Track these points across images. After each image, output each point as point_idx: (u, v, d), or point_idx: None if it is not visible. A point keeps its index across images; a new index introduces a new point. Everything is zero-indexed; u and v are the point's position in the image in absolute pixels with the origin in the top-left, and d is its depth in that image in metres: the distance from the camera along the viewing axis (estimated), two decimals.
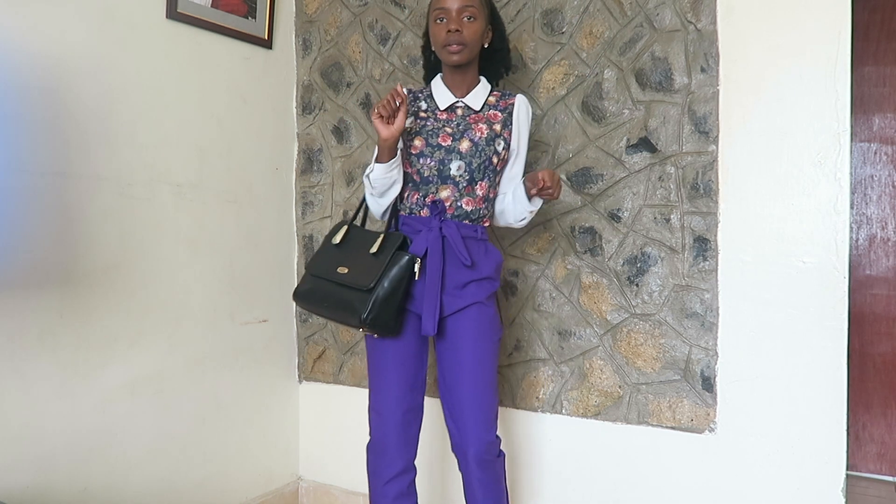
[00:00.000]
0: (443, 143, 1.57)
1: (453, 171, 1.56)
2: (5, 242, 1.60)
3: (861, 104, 2.60)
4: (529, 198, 1.59)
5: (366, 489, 1.79)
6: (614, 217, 1.87)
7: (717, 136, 1.72)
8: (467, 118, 1.61)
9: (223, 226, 2.15)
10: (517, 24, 1.99)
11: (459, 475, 1.60)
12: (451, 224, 1.56)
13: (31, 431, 1.65)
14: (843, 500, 1.59)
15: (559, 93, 1.94)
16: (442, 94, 1.63)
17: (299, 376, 2.45)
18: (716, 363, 1.73)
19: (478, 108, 1.62)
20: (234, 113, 2.18)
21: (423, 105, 1.63)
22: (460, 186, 1.57)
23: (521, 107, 1.66)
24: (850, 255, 1.74)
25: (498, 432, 1.58)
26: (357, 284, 1.49)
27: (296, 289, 1.65)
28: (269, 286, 2.29)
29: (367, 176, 1.54)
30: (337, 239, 1.60)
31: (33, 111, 1.65)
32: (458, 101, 1.62)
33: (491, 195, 1.63)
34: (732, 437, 1.71)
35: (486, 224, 1.64)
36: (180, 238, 2.01)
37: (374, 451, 1.62)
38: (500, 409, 2.01)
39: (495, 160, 1.61)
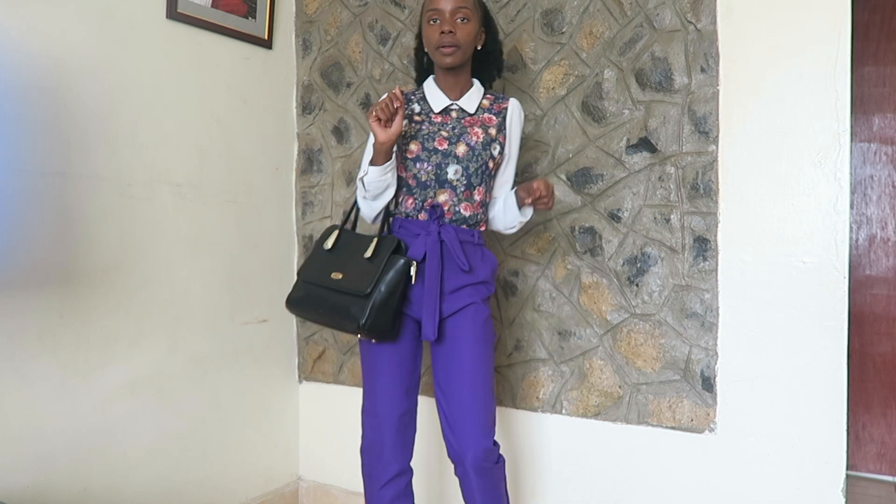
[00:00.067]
0: (439, 148, 1.56)
1: (450, 176, 1.56)
2: (5, 242, 1.60)
3: (861, 104, 2.60)
4: (520, 207, 1.61)
5: None
6: (614, 217, 1.87)
7: (717, 136, 1.72)
8: (462, 121, 1.59)
9: (223, 226, 2.15)
10: (517, 24, 1.99)
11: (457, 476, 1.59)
12: (450, 229, 1.55)
13: (31, 431, 1.65)
14: (843, 500, 1.59)
15: (559, 93, 1.94)
16: (436, 96, 1.61)
17: (299, 376, 2.45)
18: (716, 363, 1.73)
19: (472, 111, 1.61)
20: (234, 113, 2.18)
21: (417, 107, 1.62)
22: (458, 191, 1.56)
23: (515, 111, 1.66)
24: (850, 255, 1.74)
25: (497, 434, 1.57)
26: (353, 290, 1.48)
27: (288, 296, 1.61)
28: (269, 286, 2.29)
29: (361, 179, 1.53)
30: (328, 244, 1.58)
31: (33, 111, 1.65)
32: (452, 104, 1.61)
33: (487, 199, 1.64)
34: (732, 437, 1.71)
35: (483, 228, 1.64)
36: (180, 238, 2.01)
37: (370, 454, 1.61)
38: (500, 410, 2.01)
39: (491, 164, 1.61)
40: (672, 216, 1.79)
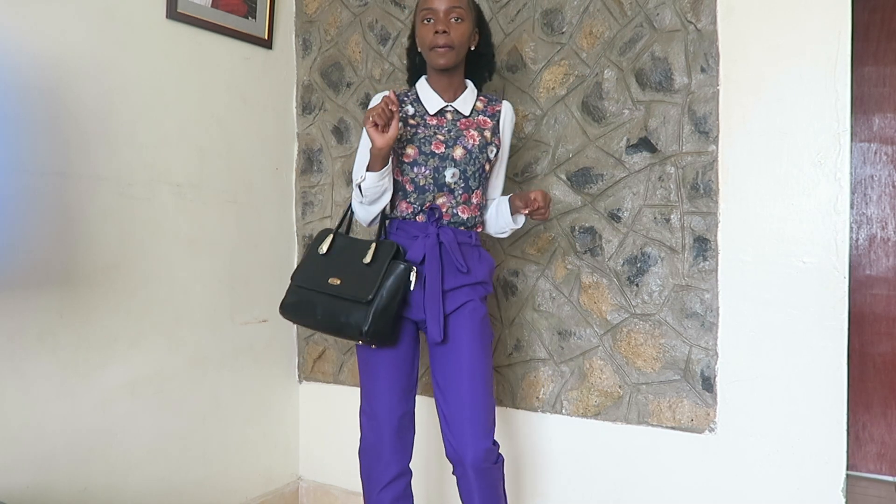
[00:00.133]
0: (436, 151, 1.55)
1: (448, 179, 1.55)
2: (5, 242, 1.60)
3: (861, 104, 2.60)
4: (513, 214, 1.61)
5: None
6: (614, 217, 1.87)
7: (717, 136, 1.72)
8: (458, 124, 1.58)
9: (223, 226, 2.15)
10: (517, 24, 1.99)
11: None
12: (448, 231, 1.55)
13: (31, 431, 1.65)
14: (843, 500, 1.59)
15: (559, 93, 1.94)
16: (430, 97, 1.59)
17: (299, 376, 2.45)
18: (716, 363, 1.73)
19: (467, 113, 1.60)
20: (234, 113, 2.18)
21: (411, 109, 1.59)
22: (456, 194, 1.56)
23: (508, 113, 1.66)
24: (850, 255, 1.74)
25: (497, 434, 1.56)
26: (354, 296, 1.46)
27: (283, 302, 1.58)
28: (269, 286, 2.29)
29: (358, 185, 1.50)
30: (323, 248, 1.56)
31: (33, 111, 1.65)
32: (447, 106, 1.59)
33: (483, 202, 1.64)
34: (732, 437, 1.71)
35: (480, 230, 1.64)
36: (180, 238, 2.01)
37: (369, 456, 1.60)
38: (500, 410, 2.01)
39: (487, 167, 1.61)
40: (672, 216, 1.79)
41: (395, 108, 1.43)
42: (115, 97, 1.83)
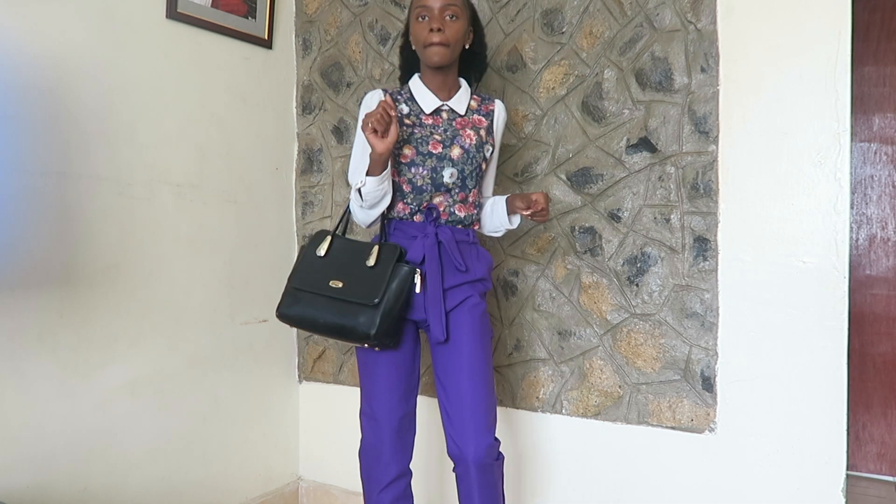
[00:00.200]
0: (434, 151, 1.54)
1: (446, 179, 1.54)
2: (5, 242, 1.60)
3: (861, 104, 2.60)
4: (510, 214, 1.62)
5: None
6: (614, 217, 1.87)
7: (717, 136, 1.72)
8: (453, 123, 1.58)
9: (223, 226, 2.15)
10: (517, 24, 1.99)
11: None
12: (446, 230, 1.55)
13: (31, 431, 1.65)
14: (843, 500, 1.59)
15: (559, 93, 1.94)
16: (425, 96, 1.59)
17: (299, 376, 2.45)
18: (716, 363, 1.73)
19: (463, 113, 1.60)
20: (234, 113, 2.18)
21: (405, 108, 1.58)
22: (453, 193, 1.56)
23: (501, 113, 1.67)
24: (850, 255, 1.74)
25: (498, 433, 1.56)
26: (359, 299, 1.45)
27: (280, 306, 1.53)
28: (269, 286, 2.29)
29: (358, 190, 1.49)
30: (322, 251, 1.54)
31: (33, 111, 1.65)
32: (443, 105, 1.59)
33: (479, 200, 1.64)
34: (732, 437, 1.71)
35: (477, 227, 1.64)
36: (180, 238, 2.01)
37: (369, 457, 1.60)
38: (500, 410, 2.01)
39: (484, 166, 1.61)
40: (672, 216, 1.79)
41: (393, 113, 1.42)
42: (115, 97, 1.83)
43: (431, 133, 1.56)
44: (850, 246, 1.91)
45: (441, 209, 1.56)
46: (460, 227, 1.58)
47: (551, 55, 1.95)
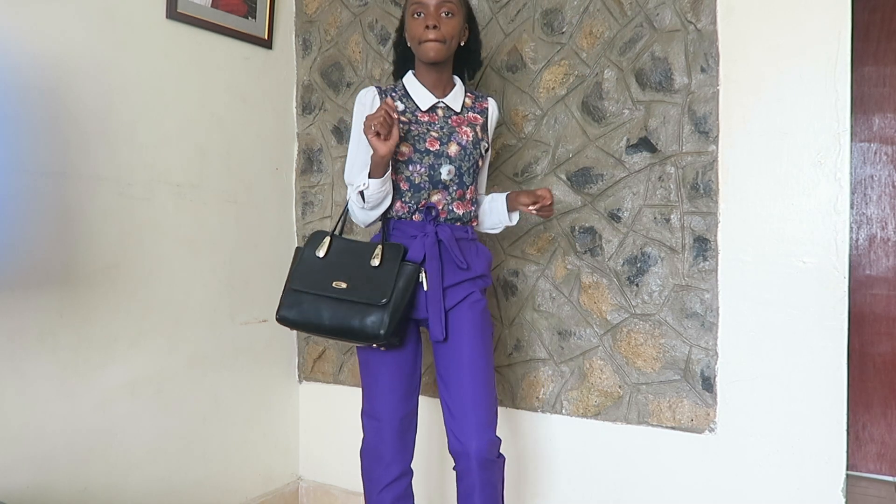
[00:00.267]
0: (431, 148, 1.54)
1: (444, 176, 1.55)
2: (5, 242, 1.60)
3: (861, 104, 2.60)
4: (510, 211, 1.63)
5: None
6: (614, 217, 1.87)
7: (717, 136, 1.72)
8: (449, 120, 1.58)
9: (223, 226, 2.15)
10: (517, 24, 1.99)
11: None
12: (446, 228, 1.54)
13: (31, 431, 1.65)
14: (843, 500, 1.59)
15: (559, 93, 1.94)
16: (421, 93, 1.58)
17: (299, 376, 2.45)
18: (716, 363, 1.73)
19: (458, 110, 1.60)
20: (234, 113, 2.18)
21: (401, 106, 1.57)
22: (451, 190, 1.56)
23: (494, 111, 1.68)
24: (850, 255, 1.74)
25: (498, 433, 1.56)
26: (366, 299, 1.44)
27: (280, 309, 1.51)
28: (269, 286, 2.29)
29: (361, 192, 1.48)
30: (321, 252, 1.52)
31: (33, 111, 1.65)
32: (439, 102, 1.59)
33: (476, 197, 1.65)
34: (732, 437, 1.71)
35: (475, 224, 1.64)
36: (180, 238, 2.01)
37: (370, 457, 1.59)
38: (501, 409, 2.01)
39: (480, 163, 1.62)
40: (672, 216, 1.79)
41: (395, 115, 1.42)
42: (115, 97, 1.83)
43: (428, 130, 1.56)
44: (850, 246, 1.91)
45: (440, 207, 1.56)
46: (459, 224, 1.58)
47: (551, 55, 1.95)
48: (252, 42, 2.23)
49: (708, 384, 1.74)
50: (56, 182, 1.70)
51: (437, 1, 1.50)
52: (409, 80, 1.61)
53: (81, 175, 1.75)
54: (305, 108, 2.41)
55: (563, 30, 1.93)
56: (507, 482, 1.93)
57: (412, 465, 1.63)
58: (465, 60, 1.66)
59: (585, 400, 1.91)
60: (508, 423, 2.02)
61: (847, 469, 1.60)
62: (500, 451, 1.55)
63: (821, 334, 1.60)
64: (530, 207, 1.53)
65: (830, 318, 1.59)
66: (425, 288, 1.50)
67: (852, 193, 2.61)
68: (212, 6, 2.07)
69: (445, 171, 1.55)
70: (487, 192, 1.77)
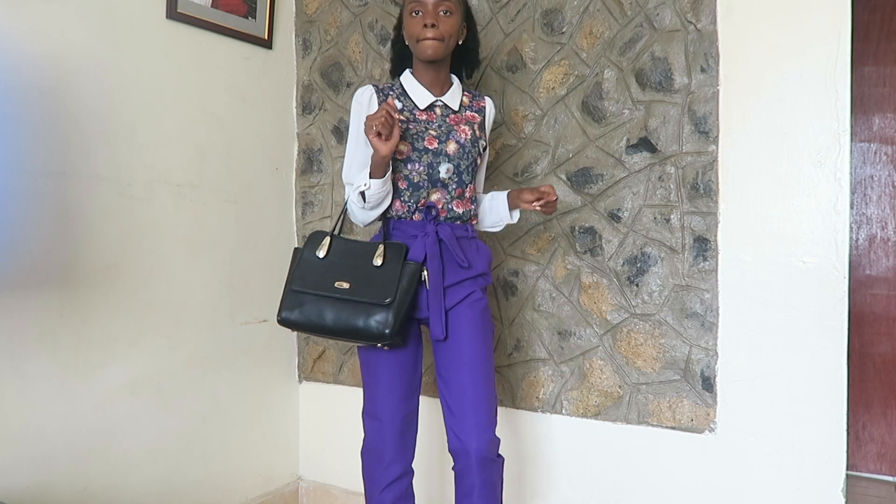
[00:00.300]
0: (430, 147, 1.54)
1: (442, 174, 1.55)
2: (5, 242, 1.60)
3: (861, 104, 2.60)
4: (511, 209, 1.64)
5: None
6: (614, 217, 1.87)
7: (717, 136, 1.72)
8: (447, 119, 1.58)
9: (223, 226, 2.15)
10: (517, 24, 1.99)
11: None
12: (446, 227, 1.54)
13: (31, 431, 1.65)
14: (843, 500, 1.59)
15: (559, 93, 1.94)
16: (418, 92, 1.58)
17: (299, 376, 2.45)
18: (716, 363, 1.73)
19: (456, 108, 1.60)
20: (234, 113, 2.18)
21: (398, 104, 1.57)
22: (450, 189, 1.56)
23: (491, 110, 1.68)
24: (850, 255, 1.74)
25: (498, 433, 1.56)
26: (371, 299, 1.44)
27: (282, 311, 1.49)
28: (269, 286, 2.29)
29: (362, 193, 1.48)
30: (322, 252, 1.52)
31: (33, 111, 1.65)
32: (437, 101, 1.59)
33: (475, 195, 1.65)
34: (732, 437, 1.71)
35: (475, 222, 1.65)
36: (180, 238, 2.01)
37: (371, 457, 1.59)
38: (501, 409, 2.01)
39: (478, 161, 1.62)
40: (672, 216, 1.79)
41: (397, 115, 1.42)
42: (115, 97, 1.83)
43: (426, 129, 1.56)
44: (850, 246, 1.91)
45: (439, 206, 1.55)
46: (459, 223, 1.58)
47: (551, 55, 1.95)
48: (252, 42, 2.23)
49: (708, 384, 1.74)
50: (56, 182, 1.70)
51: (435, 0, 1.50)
52: (407, 78, 1.61)
53: (81, 175, 1.75)
54: (305, 108, 2.41)
55: (563, 30, 1.93)
56: (507, 482, 1.93)
57: (413, 465, 1.63)
58: (464, 59, 1.66)
59: (585, 400, 1.91)
60: (508, 423, 2.02)
61: (847, 469, 1.60)
62: (500, 452, 1.55)
63: (821, 334, 1.60)
64: (534, 204, 1.53)
65: (830, 318, 1.59)
66: (428, 287, 1.50)
67: (852, 193, 2.61)
68: (212, 6, 2.07)
69: (444, 170, 1.55)
70: (487, 192, 1.77)
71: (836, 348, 1.58)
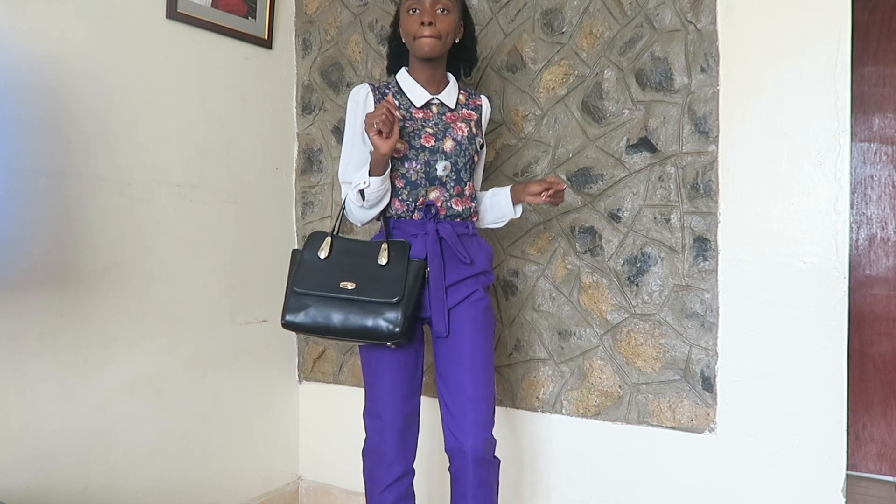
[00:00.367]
0: (426, 144, 1.54)
1: (440, 172, 1.54)
2: (5, 242, 1.60)
3: (861, 104, 2.60)
4: (515, 203, 1.64)
5: None
6: (614, 217, 1.87)
7: (717, 136, 1.72)
8: (444, 116, 1.58)
9: (223, 226, 2.15)
10: (517, 24, 1.99)
11: None
12: (446, 224, 1.54)
13: (31, 431, 1.65)
14: (843, 500, 1.59)
15: (559, 93, 1.94)
16: (415, 90, 1.58)
17: (299, 376, 2.45)
18: (716, 363, 1.73)
19: (452, 106, 1.60)
20: (234, 113, 2.18)
21: (395, 102, 1.57)
22: (448, 186, 1.56)
23: (487, 108, 1.69)
24: (850, 255, 1.74)
25: (498, 433, 1.56)
26: (379, 298, 1.43)
27: (286, 314, 1.48)
28: (268, 286, 2.29)
29: (361, 191, 1.47)
30: (323, 253, 1.51)
31: (33, 111, 1.65)
32: (433, 98, 1.59)
33: (474, 193, 1.65)
34: (732, 437, 1.71)
35: (475, 219, 1.65)
36: (180, 238, 2.01)
37: (372, 457, 1.59)
38: (501, 409, 2.01)
39: (476, 158, 1.62)
40: (672, 216, 1.79)
41: (397, 113, 1.42)
42: (115, 97, 1.83)
43: (423, 126, 1.56)
44: (850, 246, 1.91)
45: (438, 204, 1.55)
46: (459, 220, 1.58)
47: (551, 55, 1.95)
48: (252, 42, 2.23)
49: (708, 384, 1.74)
50: (56, 182, 1.70)
51: None
52: (403, 76, 1.61)
53: (81, 175, 1.75)
54: (305, 108, 2.41)
55: (563, 30, 1.93)
56: (507, 482, 1.93)
57: (413, 466, 1.63)
58: (461, 57, 1.66)
59: (585, 400, 1.91)
60: (508, 422, 2.02)
61: (847, 469, 1.60)
62: (500, 452, 1.55)
63: (821, 334, 1.60)
64: (543, 195, 1.54)
65: (830, 318, 1.59)
66: (429, 284, 1.50)
67: (852, 193, 2.61)
68: (212, 6, 2.07)
69: (441, 167, 1.54)
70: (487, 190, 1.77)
71: (836, 348, 1.58)
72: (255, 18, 2.22)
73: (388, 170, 1.48)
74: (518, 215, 1.69)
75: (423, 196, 1.54)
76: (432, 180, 1.55)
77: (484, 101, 1.69)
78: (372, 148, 1.44)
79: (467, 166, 1.58)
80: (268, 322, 2.31)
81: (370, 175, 1.46)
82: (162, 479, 1.97)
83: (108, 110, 1.81)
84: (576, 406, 1.92)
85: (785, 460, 1.65)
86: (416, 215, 1.55)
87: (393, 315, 1.43)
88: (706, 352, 1.74)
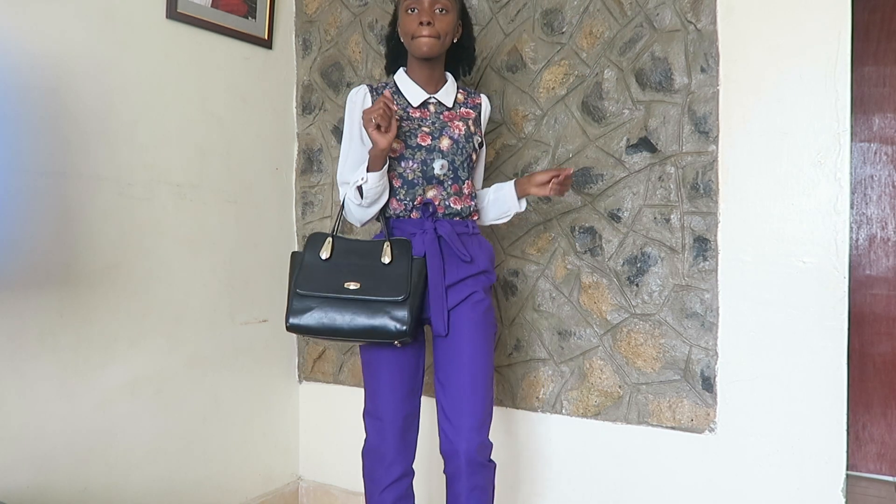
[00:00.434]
0: (423, 143, 1.54)
1: (437, 171, 1.54)
2: (5, 242, 1.60)
3: (861, 104, 2.60)
4: (519, 196, 1.65)
5: None
6: (614, 217, 1.87)
7: (717, 136, 1.72)
8: (441, 115, 1.58)
9: (223, 226, 2.15)
10: (517, 24, 1.99)
11: None
12: (445, 223, 1.54)
13: (31, 431, 1.65)
14: (843, 500, 1.59)
15: (559, 93, 1.94)
16: (412, 89, 1.58)
17: (299, 376, 2.45)
18: (716, 363, 1.73)
19: (450, 105, 1.60)
20: (234, 113, 2.18)
21: (392, 97, 1.56)
22: (446, 185, 1.55)
23: (486, 107, 1.69)
24: (850, 255, 1.74)
25: (497, 433, 1.56)
26: (385, 297, 1.43)
27: (290, 317, 1.45)
28: (268, 286, 2.29)
29: (359, 188, 1.47)
30: (325, 253, 1.50)
31: (33, 111, 1.65)
32: (430, 98, 1.59)
33: (474, 192, 1.65)
34: (732, 437, 1.71)
35: (476, 218, 1.64)
36: (180, 238, 2.01)
37: (372, 457, 1.59)
38: (501, 409, 2.01)
39: (474, 157, 1.62)
40: (672, 216, 1.79)
41: (394, 107, 1.42)
42: (115, 97, 1.83)
43: (419, 126, 1.56)
44: (850, 246, 1.91)
45: (436, 203, 1.55)
46: (458, 219, 1.58)
47: (551, 55, 1.95)
48: (252, 42, 2.23)
49: (708, 384, 1.74)
50: (56, 182, 1.70)
51: None
52: (401, 76, 1.61)
53: (81, 175, 1.75)
54: (305, 108, 2.41)
55: (563, 30, 1.93)
56: (506, 482, 1.94)
57: (413, 466, 1.63)
58: (460, 57, 1.66)
59: (585, 400, 1.91)
60: (508, 423, 2.02)
61: (847, 469, 1.60)
62: (499, 452, 1.55)
63: (821, 334, 1.60)
64: (550, 184, 1.55)
65: (830, 318, 1.59)
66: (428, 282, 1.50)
67: (852, 193, 2.61)
68: (212, 6, 2.07)
69: (438, 166, 1.54)
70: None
71: (836, 348, 1.58)
72: (255, 18, 2.22)
73: (386, 166, 1.47)
74: (523, 209, 1.68)
75: (420, 195, 1.54)
76: (429, 179, 1.54)
77: (483, 99, 1.68)
78: (371, 146, 1.44)
79: (465, 165, 1.58)
80: (268, 322, 2.31)
81: (368, 171, 1.46)
82: (162, 479, 1.97)
83: (108, 110, 1.81)
84: (576, 406, 1.92)
85: (785, 460, 1.65)
86: (415, 214, 1.55)
87: (400, 313, 1.43)
88: (706, 352, 1.74)
